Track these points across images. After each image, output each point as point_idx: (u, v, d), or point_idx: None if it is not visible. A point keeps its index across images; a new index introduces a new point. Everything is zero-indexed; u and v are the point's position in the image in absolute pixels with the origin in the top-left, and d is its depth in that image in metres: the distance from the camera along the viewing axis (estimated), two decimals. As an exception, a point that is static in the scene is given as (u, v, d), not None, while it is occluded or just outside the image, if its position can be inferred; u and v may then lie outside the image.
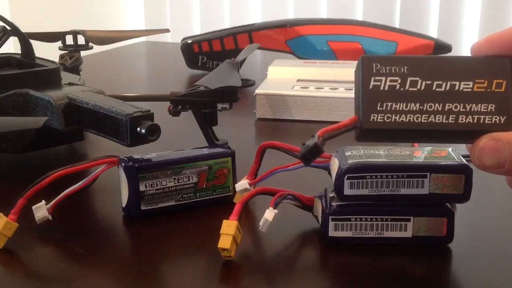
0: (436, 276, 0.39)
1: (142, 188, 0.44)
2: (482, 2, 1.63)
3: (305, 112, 0.70)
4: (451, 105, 0.34)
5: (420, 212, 0.41)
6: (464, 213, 0.45)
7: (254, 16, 1.86)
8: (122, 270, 0.39)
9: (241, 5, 1.88)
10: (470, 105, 0.34)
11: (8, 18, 0.59)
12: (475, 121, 0.34)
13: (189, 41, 0.93)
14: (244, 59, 0.69)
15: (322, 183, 0.44)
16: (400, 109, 0.34)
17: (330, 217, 0.41)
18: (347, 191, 0.40)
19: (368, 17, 1.65)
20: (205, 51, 0.93)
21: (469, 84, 0.34)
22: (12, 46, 0.71)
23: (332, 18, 1.01)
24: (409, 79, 0.35)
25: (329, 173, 0.43)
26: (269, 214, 0.40)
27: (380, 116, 0.34)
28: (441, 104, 0.34)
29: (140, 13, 2.01)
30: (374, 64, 0.35)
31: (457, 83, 0.34)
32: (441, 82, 0.34)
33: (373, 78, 0.35)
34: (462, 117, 0.34)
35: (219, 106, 0.55)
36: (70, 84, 0.56)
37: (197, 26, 1.93)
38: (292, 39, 0.93)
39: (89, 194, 0.49)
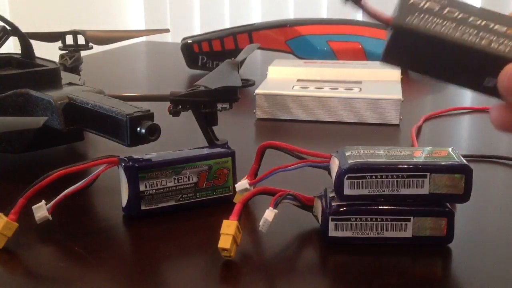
0: (436, 276, 0.39)
1: (142, 188, 0.44)
2: (482, 2, 1.63)
3: (305, 112, 0.70)
4: (485, 33, 0.34)
5: (420, 212, 0.41)
6: (464, 213, 0.45)
7: (254, 16, 1.86)
8: (122, 270, 0.39)
9: (241, 5, 1.87)
10: (503, 39, 0.34)
11: (8, 18, 0.59)
12: (507, 50, 0.34)
13: (189, 41, 0.94)
14: (244, 59, 0.69)
15: (322, 183, 0.44)
16: (436, 21, 0.34)
17: (330, 217, 0.41)
18: (347, 191, 0.40)
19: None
20: (205, 51, 0.93)
21: (503, 28, 0.35)
22: (12, 46, 0.71)
23: (332, 18, 1.01)
24: (447, 8, 0.35)
25: (329, 173, 0.43)
26: (269, 214, 0.40)
27: (416, 20, 0.34)
28: (476, 30, 0.34)
29: (140, 13, 2.00)
30: None
31: (492, 23, 0.35)
32: (477, 18, 0.35)
33: None
34: (495, 44, 0.34)
35: (219, 106, 0.55)
36: (70, 84, 0.56)
37: (197, 26, 1.93)
38: (292, 39, 0.93)
39: (89, 194, 0.49)
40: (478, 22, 0.35)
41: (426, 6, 0.35)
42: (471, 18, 0.35)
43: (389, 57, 0.36)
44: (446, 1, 0.35)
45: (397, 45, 0.35)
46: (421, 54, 0.35)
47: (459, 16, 0.35)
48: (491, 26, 0.35)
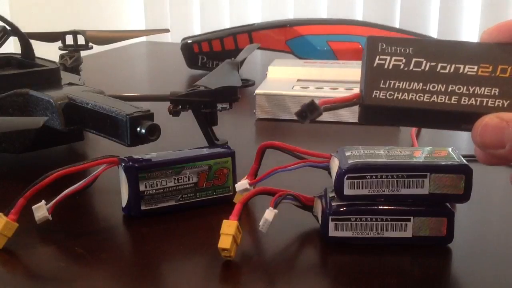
0: (436, 276, 0.39)
1: (142, 188, 0.44)
2: (482, 2, 1.63)
3: (305, 112, 0.70)
4: (454, 86, 0.34)
5: (420, 212, 0.41)
6: (464, 213, 0.45)
7: (254, 16, 1.86)
8: (122, 270, 0.39)
9: (241, 5, 1.87)
10: (474, 87, 0.34)
11: (8, 18, 0.59)
12: (477, 103, 0.34)
13: (189, 41, 0.93)
14: (244, 59, 0.69)
15: (322, 183, 0.44)
16: (403, 87, 0.34)
17: (330, 217, 0.41)
18: (347, 191, 0.40)
19: (368, 17, 1.65)
20: (205, 51, 0.93)
21: (473, 68, 0.35)
22: (12, 46, 0.71)
23: (332, 18, 1.01)
24: (413, 59, 0.35)
25: (329, 173, 0.43)
26: (269, 214, 0.40)
27: (382, 93, 0.34)
28: (444, 85, 0.34)
29: (140, 13, 2.00)
30: (380, 44, 0.35)
31: (462, 66, 0.35)
32: (445, 64, 0.35)
33: (378, 57, 0.35)
34: (465, 99, 0.34)
35: (219, 106, 0.55)
36: (70, 84, 0.56)
37: (197, 26, 1.93)
38: (292, 39, 0.93)
39: (89, 194, 0.49)
40: (447, 69, 0.35)
41: (391, 65, 0.35)
42: (439, 67, 0.35)
43: (364, 122, 0.36)
44: (411, 48, 0.35)
45: (369, 116, 0.36)
46: (394, 118, 0.36)
47: (427, 68, 0.35)
48: (461, 70, 0.35)
